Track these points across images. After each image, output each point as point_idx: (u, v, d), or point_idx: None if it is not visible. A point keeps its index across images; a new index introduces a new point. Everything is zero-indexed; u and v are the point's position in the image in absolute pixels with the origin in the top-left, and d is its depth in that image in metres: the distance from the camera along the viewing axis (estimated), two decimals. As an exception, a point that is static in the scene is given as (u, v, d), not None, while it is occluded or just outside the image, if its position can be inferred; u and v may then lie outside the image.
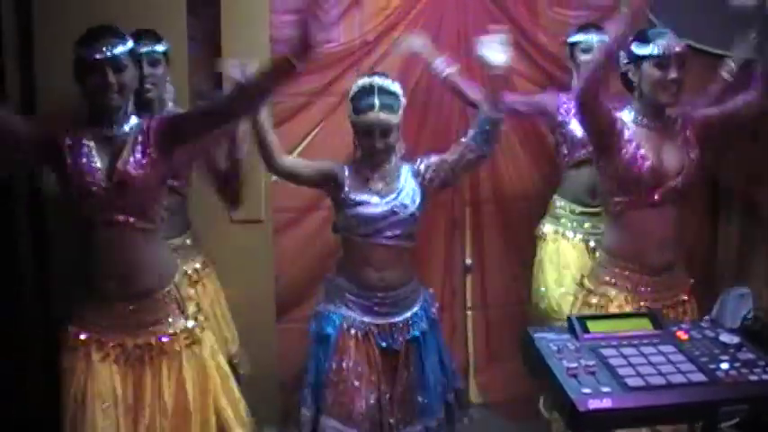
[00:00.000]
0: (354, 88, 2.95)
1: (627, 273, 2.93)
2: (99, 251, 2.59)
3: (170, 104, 3.26)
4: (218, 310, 3.40)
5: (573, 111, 3.54)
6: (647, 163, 2.83)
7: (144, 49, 3.03)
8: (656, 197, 2.87)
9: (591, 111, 2.81)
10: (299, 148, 3.76)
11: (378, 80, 2.93)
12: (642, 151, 2.85)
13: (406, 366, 3.04)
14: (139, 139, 2.58)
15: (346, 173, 2.97)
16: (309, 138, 3.78)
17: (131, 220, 2.56)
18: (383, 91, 2.89)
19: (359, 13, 3.82)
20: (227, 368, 2.83)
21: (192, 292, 2.96)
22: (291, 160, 3.05)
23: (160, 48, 3.16)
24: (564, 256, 3.66)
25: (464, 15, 3.84)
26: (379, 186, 2.96)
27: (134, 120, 2.61)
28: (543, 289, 3.69)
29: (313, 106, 3.77)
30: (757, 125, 3.56)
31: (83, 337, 2.60)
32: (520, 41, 3.88)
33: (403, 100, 2.94)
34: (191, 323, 2.70)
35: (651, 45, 2.83)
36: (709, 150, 3.05)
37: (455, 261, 4.07)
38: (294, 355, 3.53)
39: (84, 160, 2.54)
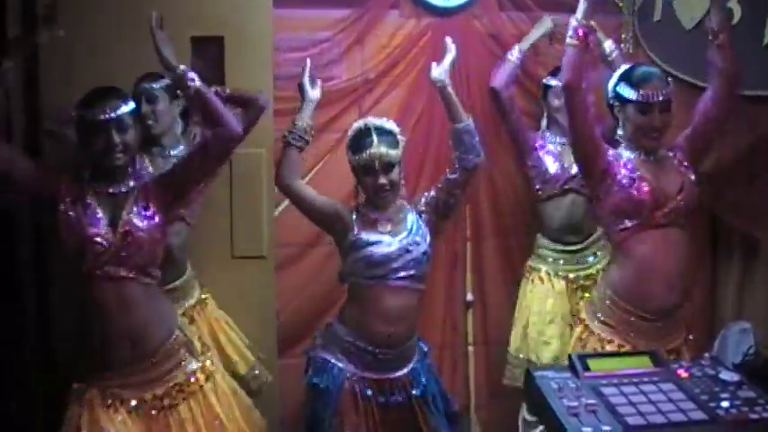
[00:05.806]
0: (350, 133, 2.98)
1: (626, 316, 2.90)
2: (102, 312, 2.59)
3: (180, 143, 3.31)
4: (221, 336, 3.38)
5: (544, 148, 3.71)
6: (646, 184, 2.84)
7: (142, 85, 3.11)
8: (660, 219, 2.85)
9: (575, 104, 2.81)
10: (303, 184, 3.79)
11: (372, 120, 2.97)
12: (639, 173, 2.86)
13: (425, 422, 2.98)
14: (141, 194, 2.63)
15: (354, 216, 2.97)
16: (312, 173, 3.79)
17: (132, 275, 2.59)
18: (379, 128, 2.92)
19: (360, 52, 3.87)
20: (242, 392, 2.91)
21: (193, 328, 2.99)
22: (301, 183, 3.02)
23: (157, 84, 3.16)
24: (545, 301, 3.67)
25: (465, 53, 3.84)
26: (388, 228, 2.95)
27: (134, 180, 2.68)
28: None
29: (315, 143, 3.75)
30: (754, 168, 3.59)
31: (100, 397, 2.60)
32: (520, 78, 3.93)
33: (402, 137, 2.96)
34: (201, 360, 2.76)
35: (635, 92, 2.83)
36: (707, 187, 3.07)
37: (456, 297, 4.06)
38: (295, 391, 3.51)
39: (87, 212, 2.57)
